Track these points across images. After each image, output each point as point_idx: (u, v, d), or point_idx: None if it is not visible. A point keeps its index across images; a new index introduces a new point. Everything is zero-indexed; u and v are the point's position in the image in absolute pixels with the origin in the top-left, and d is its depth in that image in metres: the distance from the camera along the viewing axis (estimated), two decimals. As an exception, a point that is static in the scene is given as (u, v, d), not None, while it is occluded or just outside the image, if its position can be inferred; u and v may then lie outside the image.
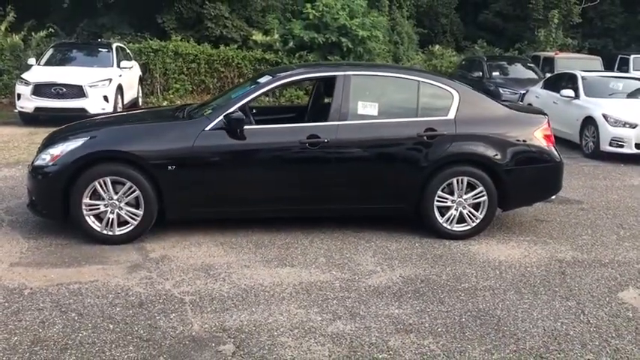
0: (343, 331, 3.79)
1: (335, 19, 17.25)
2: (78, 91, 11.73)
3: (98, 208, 5.13)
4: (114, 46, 13.66)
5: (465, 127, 5.55)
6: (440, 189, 5.50)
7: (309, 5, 17.55)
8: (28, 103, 11.68)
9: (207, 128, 5.23)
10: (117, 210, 5.14)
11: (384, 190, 5.54)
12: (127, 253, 5.00)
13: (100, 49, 13.63)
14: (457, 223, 5.60)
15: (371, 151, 5.48)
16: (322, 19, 17.32)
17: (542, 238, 5.79)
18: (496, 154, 5.54)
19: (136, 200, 5.17)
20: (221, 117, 5.22)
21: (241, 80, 16.94)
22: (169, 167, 5.13)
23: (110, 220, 5.15)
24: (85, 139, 5.23)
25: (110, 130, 5.67)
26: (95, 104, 11.75)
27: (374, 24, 18.04)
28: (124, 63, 13.23)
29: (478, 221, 5.62)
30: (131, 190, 5.13)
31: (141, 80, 15.29)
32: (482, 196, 5.55)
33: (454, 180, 5.51)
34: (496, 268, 4.95)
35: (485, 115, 5.70)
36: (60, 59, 13.08)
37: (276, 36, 17.88)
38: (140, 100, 15.01)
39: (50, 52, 13.29)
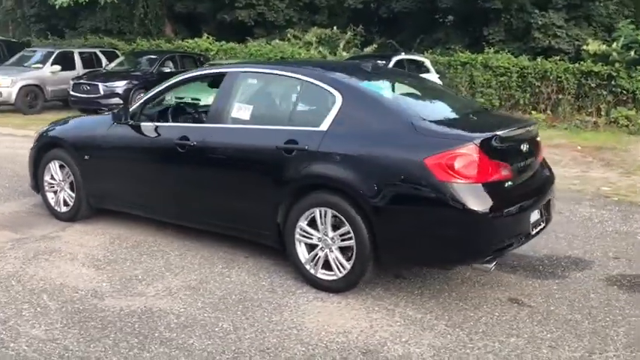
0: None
1: None
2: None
3: (53, 187, 5.86)
4: (394, 58, 13.94)
5: (336, 142, 4.11)
6: (302, 219, 4.24)
7: (661, 5, 14.11)
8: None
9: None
10: (63, 191, 5.78)
11: (243, 210, 4.59)
12: (51, 228, 5.56)
13: (379, 62, 14.08)
14: (324, 268, 4.22)
15: (230, 161, 4.62)
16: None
17: (438, 320, 3.81)
18: (364, 183, 3.93)
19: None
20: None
21: (560, 97, 14.99)
22: (85, 156, 5.48)
23: (58, 198, 5.82)
24: (53, 125, 6.03)
25: (71, 119, 6.28)
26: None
27: None
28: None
29: (345, 272, 4.10)
30: (68, 175, 5.69)
31: (438, 93, 15.06)
32: (350, 238, 4.03)
33: (317, 211, 4.17)
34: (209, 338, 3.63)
35: (369, 128, 4.06)
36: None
37: (616, 45, 14.96)
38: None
39: (340, 64, 14.50)
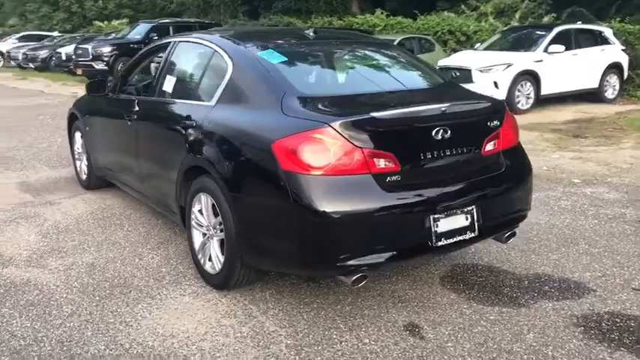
0: None
1: None
2: (467, 76, 11.37)
3: (79, 156, 6.15)
4: (557, 29, 12.13)
5: (217, 118, 3.58)
6: (195, 204, 3.79)
7: None
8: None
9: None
10: (82, 161, 6.04)
11: (160, 190, 4.28)
12: (66, 194, 5.87)
13: (538, 32, 12.37)
14: (210, 260, 3.76)
15: (152, 136, 4.32)
16: None
17: (287, 338, 3.12)
18: (226, 168, 3.37)
19: (87, 156, 5.92)
20: (107, 82, 5.31)
21: None
22: (86, 128, 5.64)
23: (81, 167, 6.10)
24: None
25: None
26: (481, 90, 11.11)
27: None
28: (553, 47, 11.62)
29: (220, 267, 3.60)
30: (83, 145, 5.92)
31: (620, 70, 12.74)
32: (223, 229, 3.52)
33: (202, 197, 3.71)
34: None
35: (245, 102, 3.46)
36: (501, 44, 12.68)
37: None
38: (612, 95, 12.63)
39: (496, 37, 13.08)
